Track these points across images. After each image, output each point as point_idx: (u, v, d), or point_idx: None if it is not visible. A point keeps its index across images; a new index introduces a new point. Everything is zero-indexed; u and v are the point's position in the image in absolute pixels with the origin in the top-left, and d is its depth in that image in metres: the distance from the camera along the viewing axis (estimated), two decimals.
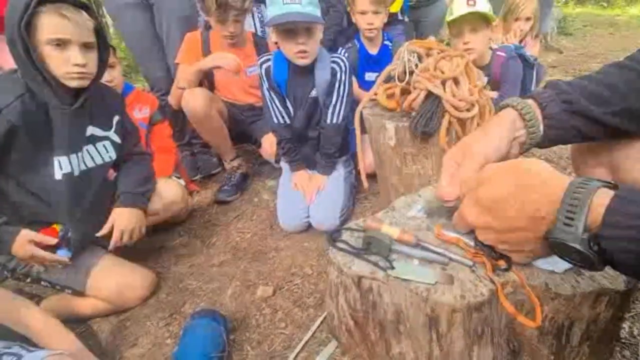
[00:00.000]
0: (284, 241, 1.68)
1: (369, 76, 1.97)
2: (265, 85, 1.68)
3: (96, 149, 1.33)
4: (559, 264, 0.73)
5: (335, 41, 2.12)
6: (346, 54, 1.68)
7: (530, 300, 0.70)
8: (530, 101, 0.77)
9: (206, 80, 2.03)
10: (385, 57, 1.89)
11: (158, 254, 1.66)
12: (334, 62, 1.65)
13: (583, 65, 3.91)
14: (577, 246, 0.51)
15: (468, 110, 1.26)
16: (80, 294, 1.32)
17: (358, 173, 1.69)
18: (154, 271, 1.49)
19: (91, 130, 1.30)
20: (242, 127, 2.10)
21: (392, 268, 0.79)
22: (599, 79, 0.76)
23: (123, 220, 1.34)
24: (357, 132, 1.53)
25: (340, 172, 1.78)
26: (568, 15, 6.37)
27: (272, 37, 1.64)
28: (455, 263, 0.78)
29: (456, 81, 1.28)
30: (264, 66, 1.65)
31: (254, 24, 2.19)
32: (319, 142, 1.75)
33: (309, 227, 1.72)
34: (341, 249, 0.87)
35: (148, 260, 1.60)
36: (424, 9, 2.50)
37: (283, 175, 1.85)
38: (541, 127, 0.78)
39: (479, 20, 1.50)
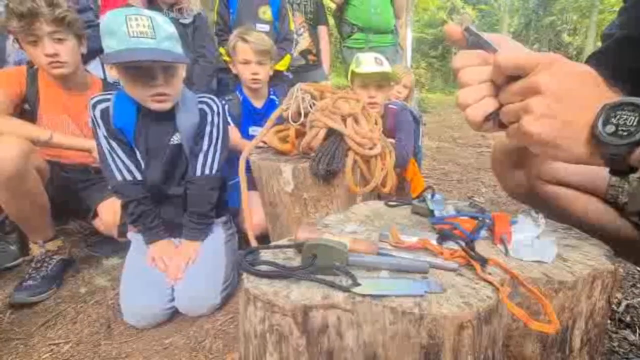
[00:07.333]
0: (131, 343, 1.13)
1: (254, 130, 1.77)
2: (102, 132, 1.25)
3: None
4: (546, 252, 0.61)
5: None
6: (226, 106, 1.45)
7: (537, 299, 0.52)
8: None
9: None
10: (271, 111, 1.73)
11: None
12: (202, 102, 1.36)
13: (444, 134, 4.96)
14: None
15: (371, 148, 1.20)
16: None
17: (245, 237, 1.35)
18: None
19: None
20: (69, 196, 1.53)
21: (358, 284, 0.51)
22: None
23: None
24: (243, 183, 1.27)
25: (218, 235, 1.39)
26: (424, 97, 8.87)
27: (111, 73, 1.26)
28: (436, 269, 0.57)
29: (356, 119, 1.23)
30: (99, 108, 1.24)
31: (103, 72, 1.78)
32: (184, 201, 1.36)
33: (173, 315, 1.22)
34: (265, 274, 0.54)
35: None
36: (303, 73, 2.54)
37: (131, 250, 1.35)
38: None
39: (385, 79, 1.61)
